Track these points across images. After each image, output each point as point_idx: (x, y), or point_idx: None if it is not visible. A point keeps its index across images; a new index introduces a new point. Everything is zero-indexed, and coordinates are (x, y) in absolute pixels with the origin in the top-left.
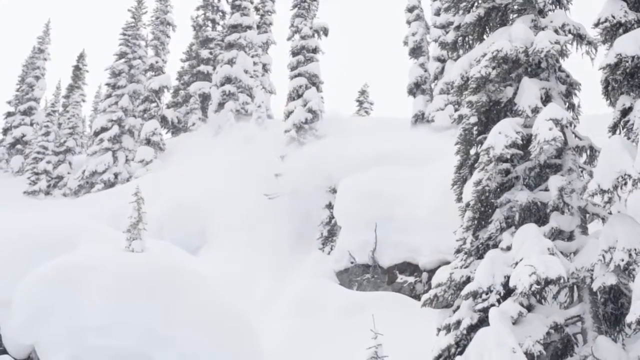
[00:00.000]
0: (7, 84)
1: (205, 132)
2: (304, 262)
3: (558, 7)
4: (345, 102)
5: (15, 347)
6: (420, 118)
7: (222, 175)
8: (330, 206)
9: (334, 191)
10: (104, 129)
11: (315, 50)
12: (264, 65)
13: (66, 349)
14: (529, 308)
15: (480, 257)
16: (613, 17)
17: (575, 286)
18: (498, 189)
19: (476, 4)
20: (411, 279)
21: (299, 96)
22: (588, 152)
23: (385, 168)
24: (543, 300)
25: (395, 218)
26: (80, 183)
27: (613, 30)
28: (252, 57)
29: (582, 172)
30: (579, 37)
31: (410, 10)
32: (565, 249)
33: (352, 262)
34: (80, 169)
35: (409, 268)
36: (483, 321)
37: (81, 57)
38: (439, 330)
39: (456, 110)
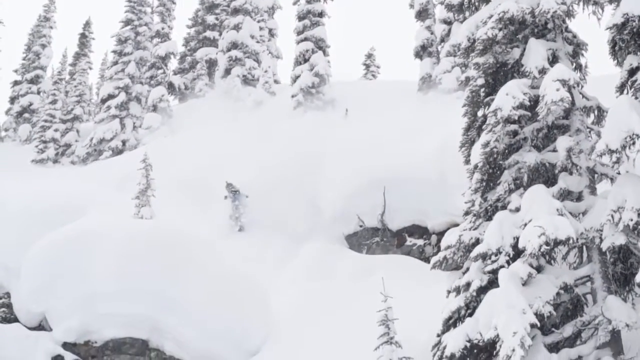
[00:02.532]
0: (13, 53)
1: (212, 98)
2: (316, 226)
3: None
4: (352, 66)
5: (26, 315)
6: (427, 81)
7: (231, 142)
8: None
9: None
10: (111, 96)
11: (321, 14)
12: (270, 30)
13: (76, 316)
14: (539, 269)
15: (489, 218)
16: None
17: (584, 246)
18: (506, 151)
19: None
20: (420, 242)
21: (306, 61)
22: (596, 112)
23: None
24: (552, 261)
25: (403, 180)
26: (88, 151)
27: None
28: (258, 22)
29: (590, 132)
30: None
31: None
32: (574, 209)
33: (361, 226)
34: (88, 137)
35: (418, 231)
36: (493, 283)
37: (87, 24)
38: (448, 292)
39: (463, 72)
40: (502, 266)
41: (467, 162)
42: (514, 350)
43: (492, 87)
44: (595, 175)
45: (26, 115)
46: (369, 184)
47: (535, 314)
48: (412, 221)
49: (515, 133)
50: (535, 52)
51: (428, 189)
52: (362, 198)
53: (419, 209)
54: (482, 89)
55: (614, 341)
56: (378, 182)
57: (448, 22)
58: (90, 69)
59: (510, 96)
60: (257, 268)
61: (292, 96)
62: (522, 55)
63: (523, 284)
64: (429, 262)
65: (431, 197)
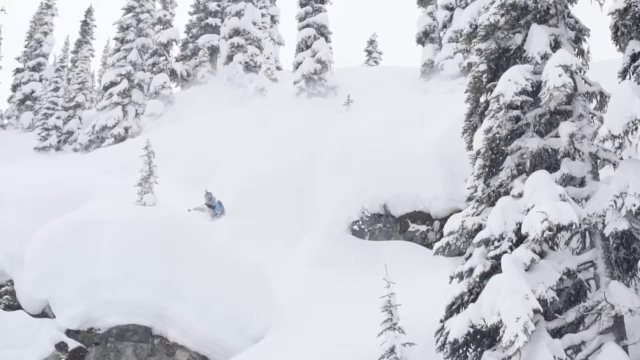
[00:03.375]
0: (15, 41)
1: (214, 84)
2: (318, 214)
3: None
4: (354, 52)
5: (29, 303)
6: (429, 67)
7: (233, 130)
8: None
9: None
10: (113, 84)
11: (323, 1)
12: (272, 17)
13: (80, 304)
14: (542, 254)
15: (492, 204)
16: None
17: (587, 232)
18: (508, 136)
19: None
20: (423, 228)
21: (308, 47)
22: (598, 97)
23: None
24: (555, 247)
25: (406, 167)
26: (90, 138)
27: None
28: (260, 8)
29: (592, 118)
30: None
31: None
32: (577, 195)
33: (364, 213)
34: (90, 124)
35: (421, 217)
36: (496, 268)
37: (89, 12)
38: (451, 278)
39: (465, 58)
40: (505, 252)
41: (470, 148)
42: (517, 335)
43: (495, 73)
44: (598, 161)
45: (28, 102)
46: (372, 171)
47: (539, 299)
48: (415, 207)
49: (517, 119)
50: (538, 38)
51: (431, 175)
52: (365, 186)
53: (422, 196)
54: (485, 75)
55: (617, 326)
56: (381, 170)
57: (450, 8)
58: (93, 56)
59: (512, 82)
60: (261, 255)
61: (294, 82)
62: (524, 41)
63: (526, 270)
64: (431, 248)
65: (434, 184)
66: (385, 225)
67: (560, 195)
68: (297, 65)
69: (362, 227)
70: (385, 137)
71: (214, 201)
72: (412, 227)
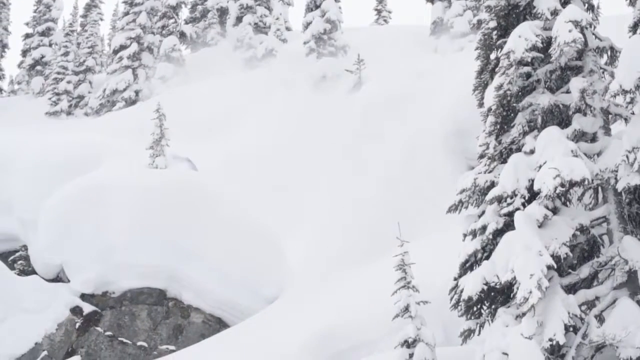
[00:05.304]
0: (24, 6)
1: (224, 46)
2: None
3: None
4: (364, 11)
5: (43, 267)
6: (439, 25)
7: (243, 92)
8: None
9: None
10: (123, 47)
11: None
12: None
13: (94, 268)
14: (554, 211)
15: (504, 161)
16: None
17: (599, 187)
18: (519, 93)
19: None
20: None
21: (317, 7)
22: (609, 52)
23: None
24: (568, 203)
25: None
26: (101, 102)
27: None
28: None
29: (603, 73)
30: None
31: None
32: (589, 150)
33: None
34: (100, 88)
35: None
36: (509, 225)
37: None
38: (464, 235)
39: (475, 15)
40: (517, 209)
41: (481, 105)
42: (531, 292)
43: (505, 30)
44: (610, 116)
45: (38, 67)
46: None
47: (552, 255)
48: None
49: (528, 75)
50: None
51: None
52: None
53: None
54: (495, 32)
55: (631, 281)
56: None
57: None
58: (102, 20)
59: (522, 38)
60: (273, 218)
61: (304, 43)
62: None
63: (539, 226)
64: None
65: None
66: None
67: (572, 151)
68: (307, 25)
69: None
70: (399, 103)
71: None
72: None
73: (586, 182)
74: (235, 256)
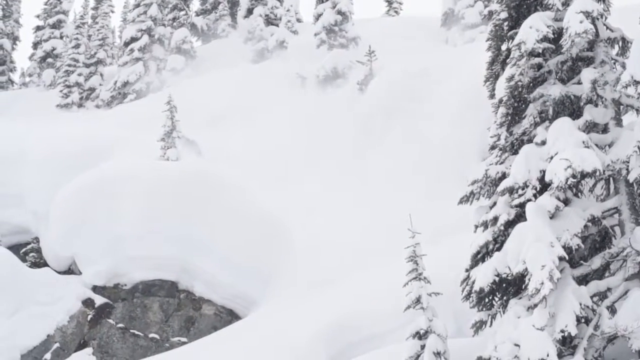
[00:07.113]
0: None
1: (235, 38)
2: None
3: None
4: (374, 2)
5: (55, 260)
6: (450, 16)
7: (254, 84)
8: None
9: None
10: (133, 39)
11: None
12: None
13: (106, 260)
14: (566, 202)
15: (515, 152)
16: None
17: (611, 178)
18: (531, 84)
19: None
20: None
21: None
22: (620, 43)
23: None
24: (579, 194)
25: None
26: (112, 94)
27: None
28: None
29: (614, 63)
30: None
31: None
32: (600, 141)
33: None
34: (112, 80)
35: None
36: (520, 217)
37: None
38: (476, 227)
39: (486, 6)
40: (529, 200)
41: (492, 96)
42: (542, 283)
43: (516, 21)
44: (621, 107)
45: (49, 60)
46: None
47: (564, 246)
48: None
49: (539, 66)
50: None
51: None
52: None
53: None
54: (506, 23)
55: None
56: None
57: None
58: (113, 12)
59: (534, 29)
60: (285, 208)
61: (315, 34)
62: None
63: (550, 217)
64: None
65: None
66: None
67: (583, 142)
68: (317, 16)
69: None
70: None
71: None
72: None
73: (597, 173)
74: (246, 248)
